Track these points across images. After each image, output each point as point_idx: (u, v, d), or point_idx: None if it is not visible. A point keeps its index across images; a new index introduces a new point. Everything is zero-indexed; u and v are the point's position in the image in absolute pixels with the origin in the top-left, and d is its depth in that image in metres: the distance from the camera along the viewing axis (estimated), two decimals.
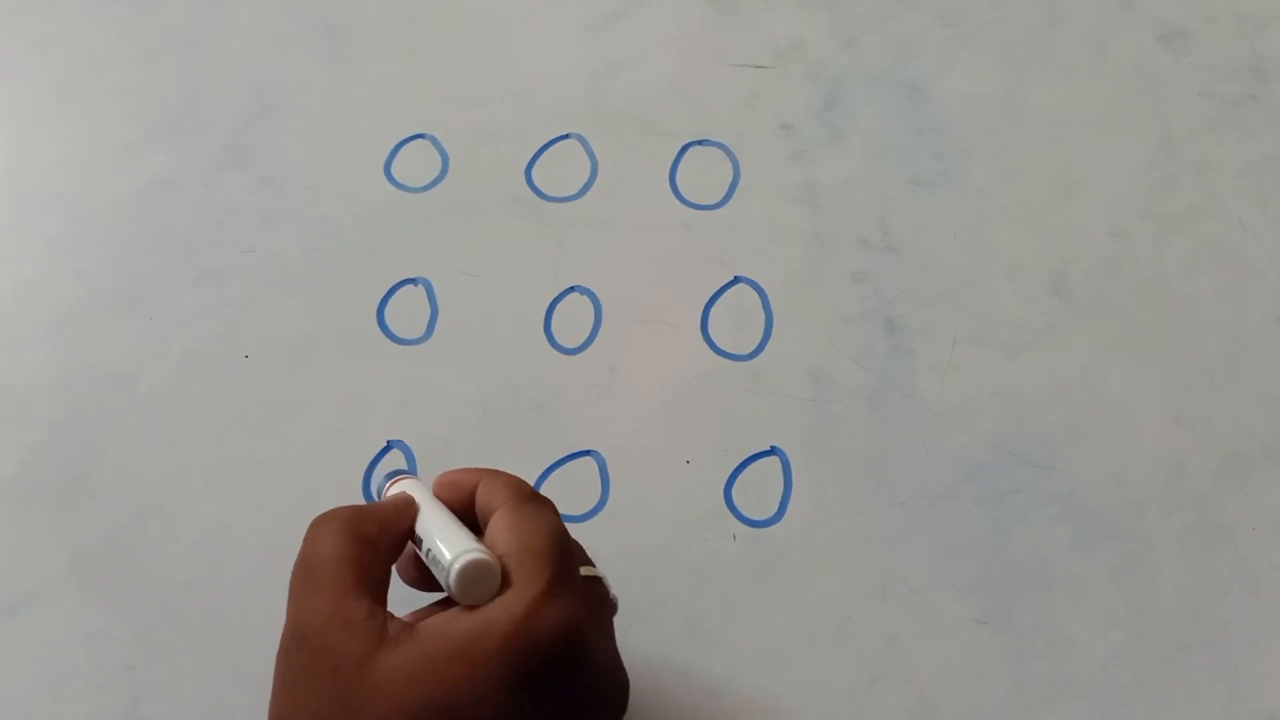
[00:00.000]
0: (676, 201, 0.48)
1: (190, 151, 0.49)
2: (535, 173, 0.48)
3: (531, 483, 0.42)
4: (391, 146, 0.49)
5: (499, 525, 0.28)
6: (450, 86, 0.50)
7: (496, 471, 0.31)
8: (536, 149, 0.49)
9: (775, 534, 0.42)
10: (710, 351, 0.45)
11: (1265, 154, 0.49)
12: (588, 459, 0.43)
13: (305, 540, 0.28)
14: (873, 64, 0.51)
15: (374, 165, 0.48)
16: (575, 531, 0.42)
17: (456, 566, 0.26)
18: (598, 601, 0.30)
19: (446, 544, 0.27)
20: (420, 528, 0.29)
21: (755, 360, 0.45)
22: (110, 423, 0.44)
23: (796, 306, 0.46)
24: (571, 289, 0.46)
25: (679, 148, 0.49)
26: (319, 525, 0.28)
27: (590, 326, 0.45)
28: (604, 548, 0.42)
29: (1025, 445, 0.43)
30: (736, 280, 0.46)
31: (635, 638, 0.40)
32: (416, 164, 0.49)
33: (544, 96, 0.50)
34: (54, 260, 0.47)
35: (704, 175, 0.49)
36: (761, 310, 0.46)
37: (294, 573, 0.28)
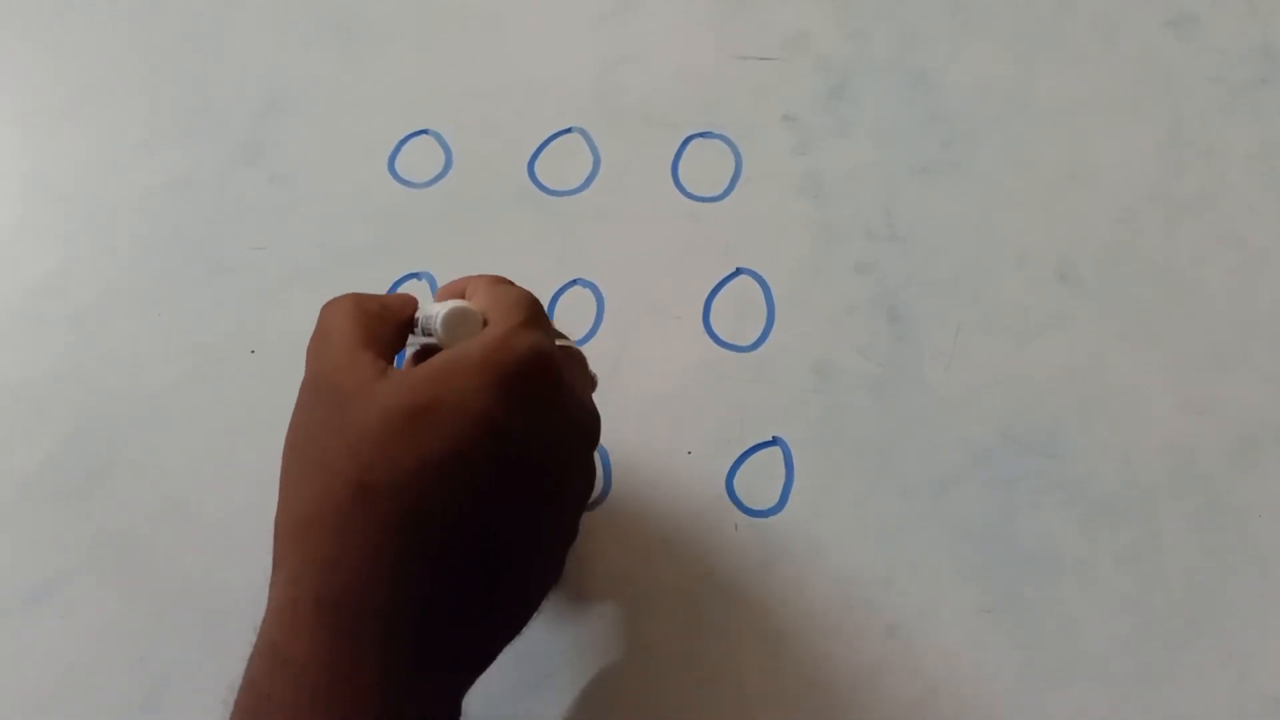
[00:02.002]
0: (679, 194, 0.48)
1: (203, 149, 0.50)
2: (538, 167, 0.49)
3: None
4: (396, 142, 0.49)
5: (480, 292, 0.32)
6: (455, 82, 0.51)
7: (482, 275, 0.34)
8: (540, 143, 0.49)
9: (777, 524, 0.42)
10: (713, 343, 0.45)
11: (1276, 138, 0.49)
12: None
13: (319, 319, 0.32)
14: (880, 54, 0.51)
15: (379, 161, 0.49)
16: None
17: (443, 312, 0.31)
18: (571, 355, 0.34)
19: (435, 305, 0.32)
20: (418, 314, 0.33)
21: (758, 351, 0.45)
22: (127, 417, 0.45)
23: (800, 297, 0.46)
24: (574, 282, 0.46)
25: (681, 140, 0.49)
26: (330, 304, 0.32)
27: (593, 319, 0.45)
28: (606, 538, 0.42)
29: (1032, 432, 0.43)
30: (739, 272, 0.46)
31: (638, 628, 0.40)
32: (421, 160, 0.49)
33: (548, 91, 0.50)
34: (70, 258, 0.48)
35: (707, 167, 0.49)
36: (764, 301, 0.46)
37: (309, 345, 0.32)
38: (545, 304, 0.45)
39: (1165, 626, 0.40)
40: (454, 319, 0.31)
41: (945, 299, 0.46)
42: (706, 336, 0.45)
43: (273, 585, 0.29)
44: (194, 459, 0.44)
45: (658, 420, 0.43)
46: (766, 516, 0.42)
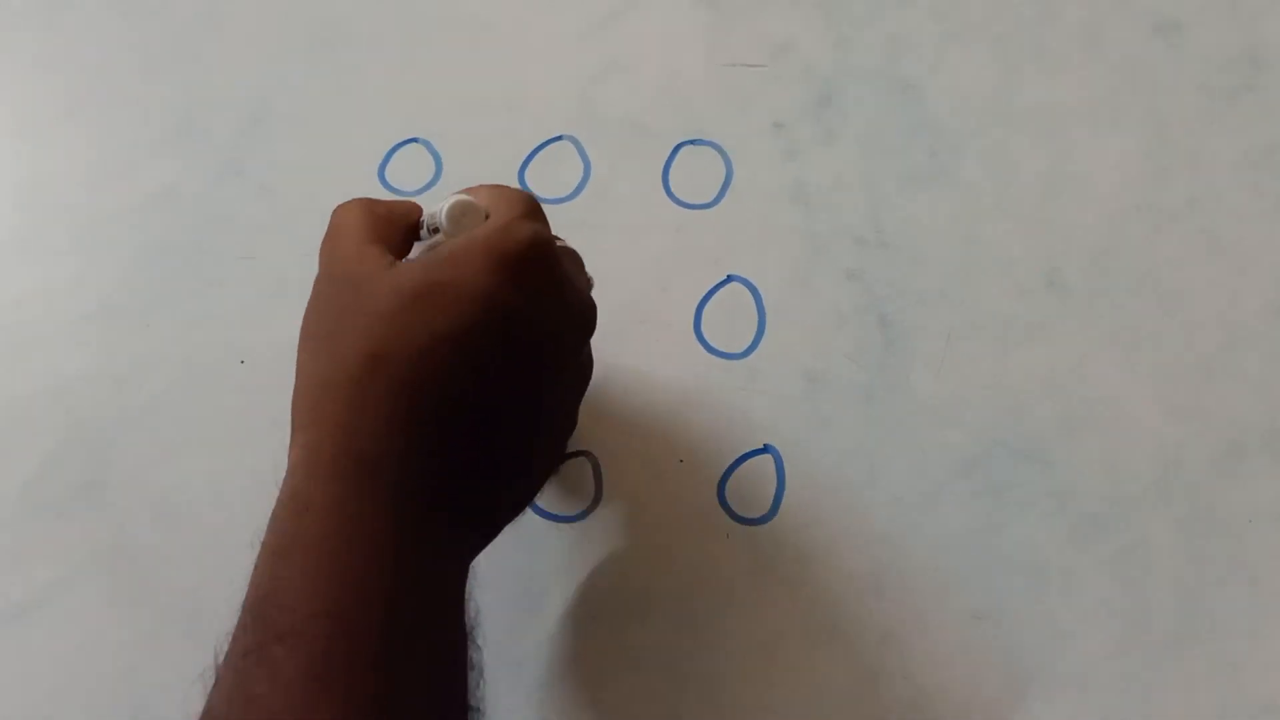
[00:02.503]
0: (669, 201, 0.48)
1: (191, 161, 0.50)
2: (529, 174, 0.49)
3: None
4: (385, 151, 0.49)
5: (481, 192, 0.34)
6: (444, 91, 0.51)
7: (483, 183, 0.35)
8: (530, 151, 0.49)
9: (769, 532, 0.42)
10: (703, 350, 0.45)
11: (1260, 145, 0.49)
12: (581, 459, 0.43)
13: (330, 220, 0.34)
14: (865, 62, 0.51)
15: (369, 170, 0.49)
16: (569, 531, 0.43)
17: (447, 205, 0.32)
18: (568, 252, 0.36)
19: (440, 202, 0.33)
20: (423, 217, 0.34)
21: (748, 359, 0.45)
22: (117, 429, 0.44)
23: (790, 305, 0.46)
24: None
25: (671, 148, 0.49)
26: (340, 206, 0.34)
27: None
28: (598, 547, 0.42)
29: (1020, 440, 0.43)
30: (730, 279, 0.47)
31: (630, 637, 0.41)
32: (411, 168, 0.49)
33: (537, 99, 0.50)
34: (58, 270, 0.47)
35: (696, 175, 0.49)
36: (755, 309, 0.46)
37: (322, 245, 0.33)
38: None
39: (1153, 634, 0.40)
40: (458, 211, 0.32)
41: (934, 306, 0.46)
42: (697, 344, 0.45)
43: (291, 449, 0.31)
44: (184, 470, 0.44)
45: (648, 428, 0.44)
46: (758, 524, 0.42)
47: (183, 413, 0.45)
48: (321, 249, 0.34)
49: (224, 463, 0.43)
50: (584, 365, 0.37)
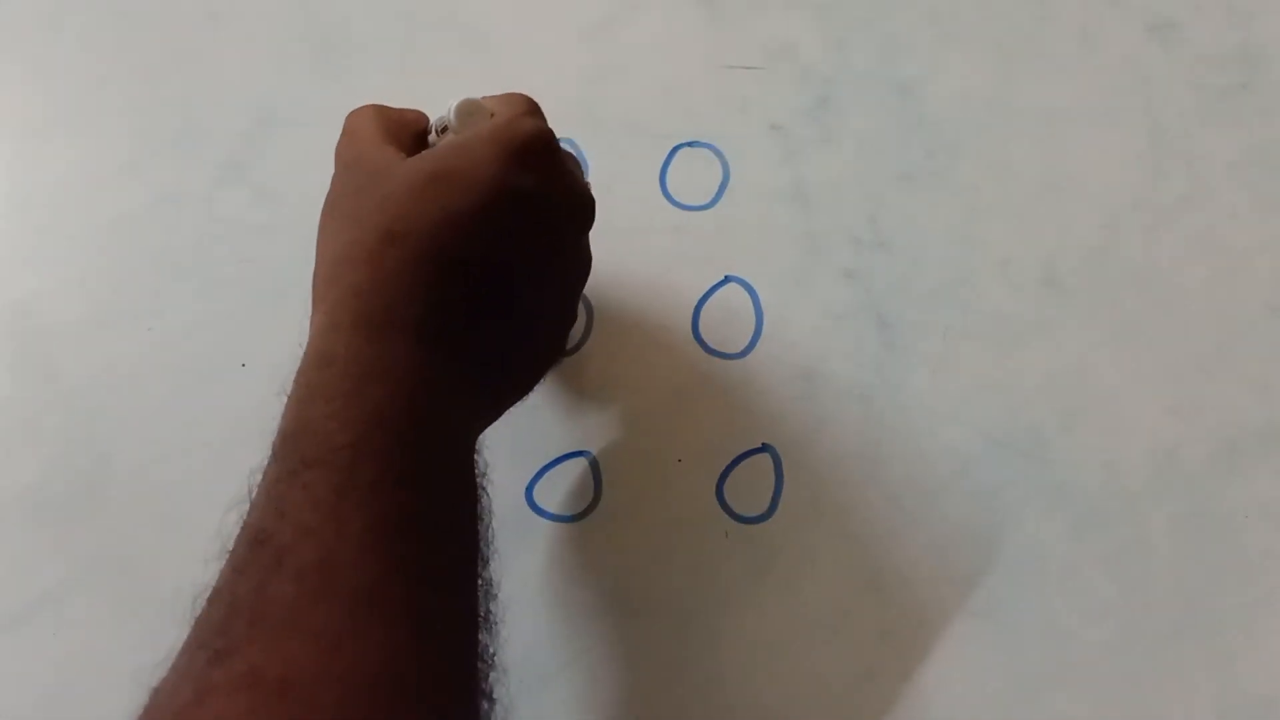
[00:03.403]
0: (667, 202, 0.49)
1: (190, 167, 0.50)
2: None
3: (524, 484, 0.43)
4: None
5: (488, 100, 0.36)
6: (442, 95, 0.51)
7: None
8: None
9: (767, 530, 0.42)
10: (702, 350, 0.45)
11: (1256, 143, 0.49)
12: (580, 459, 0.43)
13: (344, 124, 0.37)
14: (862, 63, 0.52)
15: None
16: (568, 531, 0.43)
17: (456, 104, 0.35)
18: (568, 154, 0.38)
19: (448, 104, 0.35)
20: (432, 121, 0.37)
21: (747, 359, 0.45)
22: (118, 434, 0.45)
23: (788, 305, 0.46)
24: None
25: (669, 149, 0.50)
26: (353, 112, 0.37)
27: (582, 328, 0.45)
28: (597, 548, 0.42)
29: (1018, 438, 0.44)
30: (727, 280, 0.47)
31: (630, 636, 0.41)
32: None
33: (536, 101, 0.50)
34: (59, 276, 0.48)
35: (694, 176, 0.49)
36: (752, 309, 0.46)
37: (337, 146, 0.36)
38: None
39: (1151, 630, 0.40)
40: (466, 109, 0.35)
41: (931, 306, 0.46)
42: (695, 344, 0.46)
43: (313, 319, 0.33)
44: (185, 475, 0.44)
45: (648, 428, 0.44)
46: (757, 523, 0.42)
47: (184, 417, 0.45)
48: (338, 149, 0.36)
49: (226, 466, 0.44)
50: (584, 257, 0.39)
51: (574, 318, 0.40)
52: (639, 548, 0.42)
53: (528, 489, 0.43)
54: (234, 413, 0.45)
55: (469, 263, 0.32)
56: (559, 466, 0.43)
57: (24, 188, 0.50)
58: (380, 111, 0.37)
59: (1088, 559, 0.41)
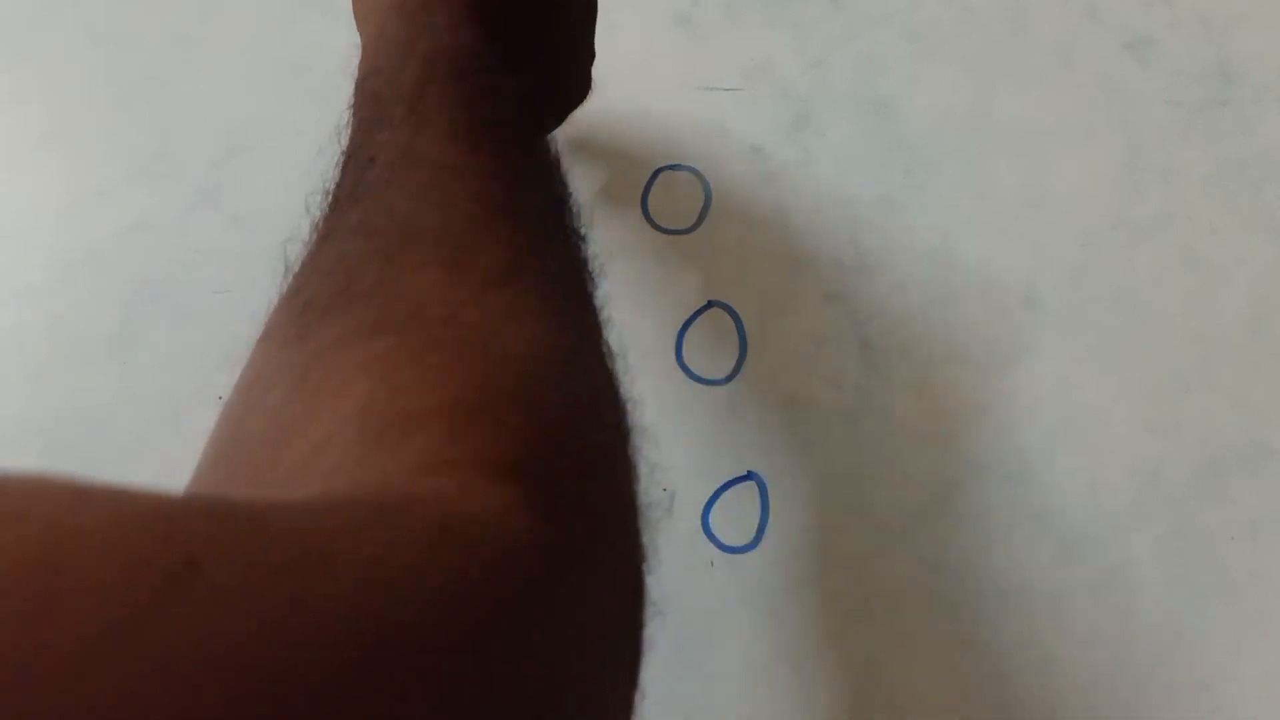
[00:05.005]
0: (648, 226, 0.48)
1: (164, 194, 0.49)
2: None
3: None
4: None
5: None
6: None
7: None
8: None
9: (753, 559, 0.42)
10: (685, 377, 0.45)
11: (1234, 158, 0.50)
12: None
13: None
14: (840, 83, 0.52)
15: None
16: None
17: None
18: None
19: None
20: None
21: (730, 385, 0.45)
22: (93, 469, 0.44)
23: (771, 329, 0.46)
24: None
25: (650, 173, 0.49)
26: None
27: None
28: None
29: (1002, 461, 0.44)
30: (710, 304, 0.47)
31: None
32: None
33: None
34: (30, 308, 0.47)
35: (675, 200, 0.49)
36: (736, 334, 0.46)
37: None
38: None
39: (1138, 654, 0.40)
40: None
41: (914, 328, 0.46)
42: (679, 370, 0.45)
43: (364, 47, 0.33)
44: None
45: None
46: (743, 552, 0.42)
47: (160, 451, 0.44)
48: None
49: None
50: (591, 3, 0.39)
51: (592, 56, 0.41)
52: None
53: None
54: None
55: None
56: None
57: None
58: None
59: (1073, 584, 0.41)
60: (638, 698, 0.23)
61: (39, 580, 0.13)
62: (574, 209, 0.32)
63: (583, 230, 0.32)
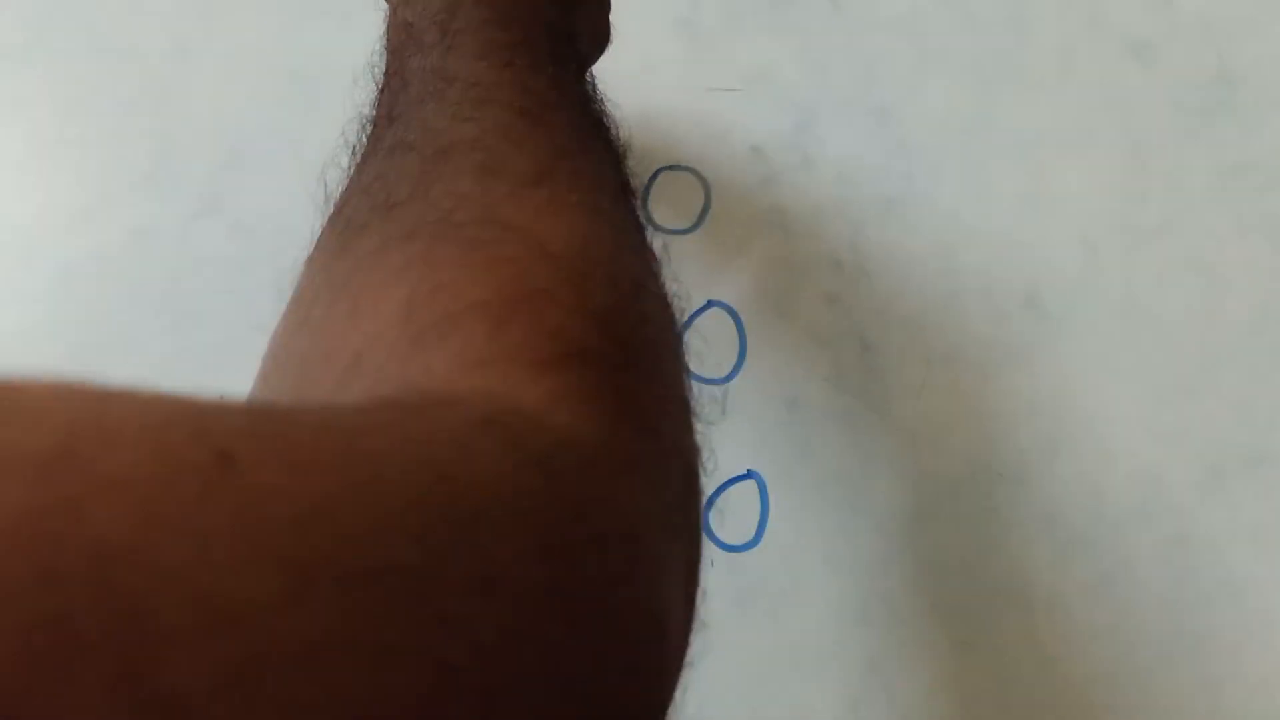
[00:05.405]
0: (649, 226, 0.48)
1: (166, 201, 0.49)
2: None
3: None
4: None
5: None
6: None
7: None
8: None
9: (753, 559, 0.42)
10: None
11: (1236, 163, 0.49)
12: None
13: None
14: (842, 87, 0.52)
15: None
16: None
17: None
18: None
19: None
20: None
21: (729, 384, 0.45)
22: None
23: (770, 330, 0.46)
24: None
25: (650, 173, 0.49)
26: None
27: None
28: None
29: (1002, 464, 0.43)
30: (710, 305, 0.47)
31: None
32: None
33: None
34: (29, 316, 0.47)
35: (675, 200, 0.49)
36: (735, 334, 0.46)
37: None
38: None
39: (1139, 657, 0.40)
40: None
41: (914, 330, 0.46)
42: None
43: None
44: None
45: None
46: (742, 551, 0.42)
47: None
48: None
49: None
50: None
51: (609, 35, 0.40)
52: None
53: None
54: None
55: None
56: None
57: None
58: None
59: (1074, 585, 0.41)
60: (699, 596, 0.23)
61: (60, 477, 0.12)
62: (613, 128, 0.31)
63: (623, 149, 0.31)
